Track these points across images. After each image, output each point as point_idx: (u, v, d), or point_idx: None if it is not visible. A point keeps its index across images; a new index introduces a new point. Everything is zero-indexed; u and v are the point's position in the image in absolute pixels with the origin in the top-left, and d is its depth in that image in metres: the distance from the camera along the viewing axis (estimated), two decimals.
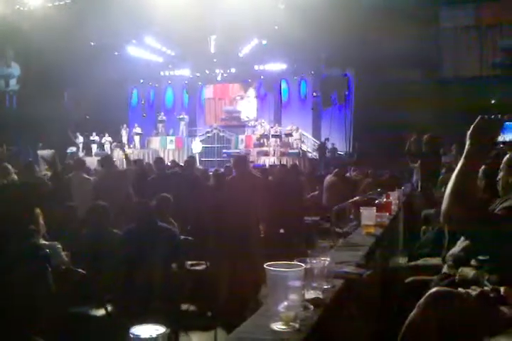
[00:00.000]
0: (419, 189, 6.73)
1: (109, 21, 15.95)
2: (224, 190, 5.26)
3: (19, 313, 2.46)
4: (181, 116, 22.04)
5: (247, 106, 22.63)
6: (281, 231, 6.58)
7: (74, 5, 16.62)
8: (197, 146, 20.22)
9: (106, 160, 6.58)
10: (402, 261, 4.33)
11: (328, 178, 7.97)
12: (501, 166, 2.43)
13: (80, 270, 3.50)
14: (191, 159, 7.21)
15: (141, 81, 23.60)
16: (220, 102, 23.35)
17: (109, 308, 3.40)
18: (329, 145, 18.83)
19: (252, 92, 22.58)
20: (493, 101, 16.89)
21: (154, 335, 0.89)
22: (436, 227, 4.13)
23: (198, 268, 4.61)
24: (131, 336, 0.90)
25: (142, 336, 0.89)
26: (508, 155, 2.39)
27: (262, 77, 21.99)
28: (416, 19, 15.56)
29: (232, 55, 20.62)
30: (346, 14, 14.88)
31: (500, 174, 2.44)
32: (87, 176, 6.37)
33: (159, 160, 7.15)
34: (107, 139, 21.31)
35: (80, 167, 6.38)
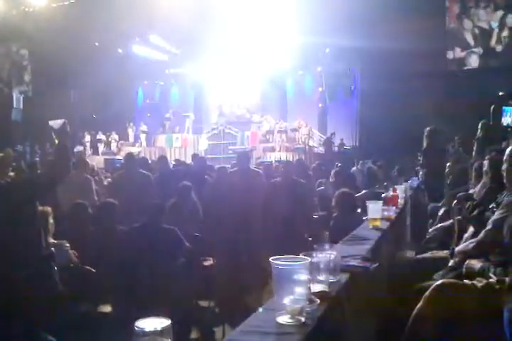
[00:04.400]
0: (425, 182, 6.70)
1: (114, 20, 15.99)
2: (226, 186, 5.28)
3: (27, 312, 2.49)
4: (187, 114, 22.06)
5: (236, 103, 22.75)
6: (289, 225, 6.60)
7: (78, 4, 16.66)
8: (203, 143, 20.23)
9: (129, 160, 6.34)
10: (410, 254, 4.32)
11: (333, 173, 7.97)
12: (504, 158, 2.42)
13: (88, 268, 3.53)
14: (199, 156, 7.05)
15: (147, 79, 23.64)
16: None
17: (116, 305, 3.43)
18: (337, 140, 18.78)
19: (239, 89, 22.66)
20: (501, 93, 16.75)
21: (159, 328, 0.90)
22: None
23: (205, 264, 4.64)
24: (136, 329, 0.90)
25: (147, 329, 0.90)
26: (510, 148, 2.38)
27: (267, 72, 21.93)
28: (421, 11, 15.47)
29: (236, 50, 20.57)
30: (351, 8, 14.81)
31: (504, 166, 2.44)
32: (88, 176, 6.29)
33: (163, 158, 7.16)
34: (113, 138, 21.38)
35: (81, 166, 6.27)
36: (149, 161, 8.73)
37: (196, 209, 5.16)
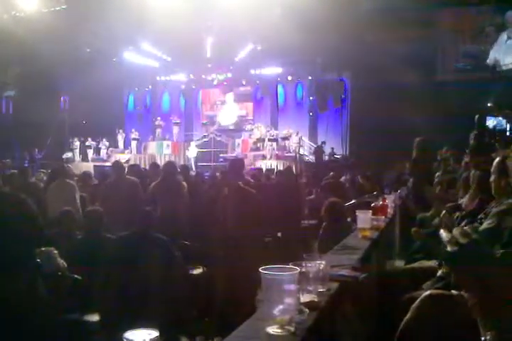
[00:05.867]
0: (414, 192, 6.74)
1: (105, 27, 15.99)
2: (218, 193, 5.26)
3: (12, 324, 2.44)
4: (176, 121, 22.09)
5: (226, 111, 22.61)
6: (279, 234, 6.60)
7: (70, 10, 16.64)
8: (192, 151, 20.22)
9: (117, 166, 6.35)
10: (399, 264, 4.33)
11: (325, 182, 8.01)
12: (492, 170, 2.44)
13: (75, 276, 3.49)
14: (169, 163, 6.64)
15: (138, 86, 23.63)
16: (202, 107, 23.50)
17: (104, 314, 3.39)
18: (328, 149, 18.90)
19: (230, 97, 22.53)
20: (489, 104, 16.95)
21: (147, 340, 0.89)
22: (432, 230, 4.14)
23: (194, 272, 4.61)
24: (124, 340, 0.90)
25: (135, 340, 0.89)
26: (498, 159, 2.41)
27: (257, 81, 22.06)
28: (411, 22, 15.65)
29: (228, 59, 20.70)
30: (342, 18, 14.95)
31: (492, 177, 2.46)
32: (71, 182, 6.24)
33: (154, 166, 7.12)
34: (103, 144, 21.31)
35: (62, 174, 6.22)
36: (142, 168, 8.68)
37: None
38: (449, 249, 0.95)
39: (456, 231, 0.97)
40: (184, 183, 5.83)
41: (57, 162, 15.79)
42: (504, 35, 17.65)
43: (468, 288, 0.93)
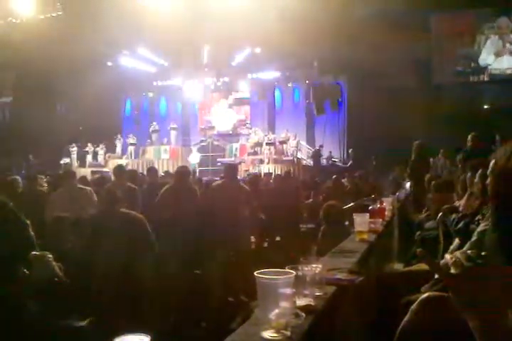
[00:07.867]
0: (412, 195, 6.75)
1: (102, 32, 16.01)
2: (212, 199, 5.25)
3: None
4: (172, 126, 22.07)
5: (220, 117, 22.52)
6: (277, 238, 6.60)
7: (66, 16, 16.68)
8: (194, 157, 20.16)
9: (118, 171, 6.35)
10: (398, 267, 4.31)
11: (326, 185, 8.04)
12: (488, 171, 2.44)
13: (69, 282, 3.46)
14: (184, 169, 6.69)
15: (135, 91, 23.63)
16: (200, 112, 23.45)
17: (99, 319, 3.37)
18: (325, 153, 18.90)
19: (223, 103, 22.45)
20: (485, 106, 17.03)
21: None
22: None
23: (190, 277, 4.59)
24: None
25: None
26: (494, 160, 2.40)
27: (254, 85, 22.07)
28: (409, 25, 15.71)
29: (224, 63, 20.73)
30: (339, 21, 15.01)
31: (489, 179, 2.45)
32: (82, 186, 6.22)
33: (152, 170, 7.11)
34: (101, 149, 21.27)
35: (71, 177, 6.19)
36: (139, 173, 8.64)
37: None
38: (452, 271, 0.92)
39: (459, 254, 0.95)
40: (196, 188, 5.80)
41: (54, 168, 15.79)
42: (495, 39, 17.73)
43: (467, 311, 0.89)
